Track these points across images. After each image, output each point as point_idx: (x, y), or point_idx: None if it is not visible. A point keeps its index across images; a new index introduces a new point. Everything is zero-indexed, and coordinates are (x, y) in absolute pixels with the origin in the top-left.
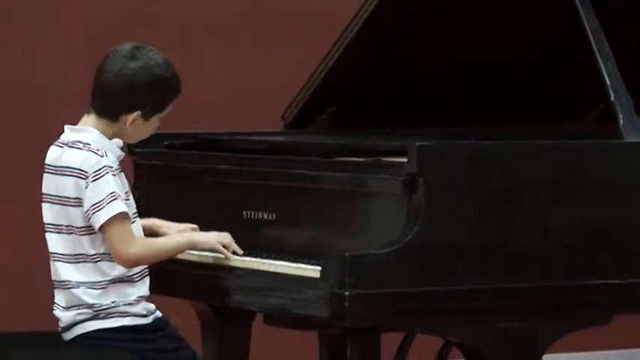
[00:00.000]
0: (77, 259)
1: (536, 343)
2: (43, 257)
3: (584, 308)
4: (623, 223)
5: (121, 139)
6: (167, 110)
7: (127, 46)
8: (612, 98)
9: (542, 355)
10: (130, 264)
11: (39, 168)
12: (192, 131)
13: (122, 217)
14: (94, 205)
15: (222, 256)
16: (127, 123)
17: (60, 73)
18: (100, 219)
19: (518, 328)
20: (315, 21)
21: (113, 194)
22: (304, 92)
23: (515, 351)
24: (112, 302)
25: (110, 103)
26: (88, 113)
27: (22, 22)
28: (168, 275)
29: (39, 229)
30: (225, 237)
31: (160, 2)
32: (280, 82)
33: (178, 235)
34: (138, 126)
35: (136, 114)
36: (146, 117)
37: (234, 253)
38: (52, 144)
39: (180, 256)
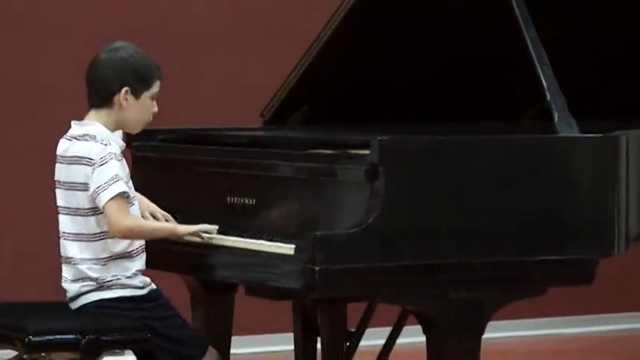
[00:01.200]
0: (83, 237)
1: (482, 312)
2: (52, 237)
3: (523, 281)
4: (558, 207)
5: (122, 127)
6: (154, 89)
7: (103, 47)
8: (548, 98)
9: (487, 321)
10: (121, 235)
11: (49, 159)
12: (184, 127)
13: (122, 195)
14: (99, 186)
15: (206, 237)
16: (121, 101)
17: (67, 75)
18: (103, 198)
19: (467, 298)
20: (288, 32)
21: (116, 176)
22: (280, 93)
23: (463, 318)
24: (113, 275)
25: (101, 90)
26: (88, 112)
27: (34, 31)
28: (162, 252)
29: (48, 212)
30: (198, 230)
31: (155, 13)
32: (259, 85)
33: (166, 224)
34: (132, 105)
35: (125, 90)
36: (136, 94)
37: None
38: (61, 138)
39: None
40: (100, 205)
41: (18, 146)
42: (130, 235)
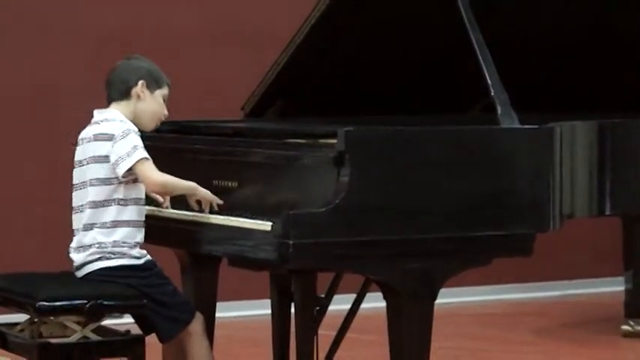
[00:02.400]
0: (97, 204)
1: (434, 280)
2: (62, 217)
3: (471, 254)
4: (500, 189)
5: (138, 119)
6: (164, 90)
7: (122, 59)
8: (492, 94)
9: (439, 288)
10: (157, 188)
11: (60, 147)
12: (175, 120)
13: (147, 159)
14: (120, 156)
15: (197, 214)
16: (139, 92)
17: (74, 74)
18: (125, 165)
19: (421, 268)
20: (266, 33)
21: (136, 146)
22: (259, 89)
23: (418, 286)
24: (114, 241)
25: (121, 85)
26: (108, 107)
27: (49, 36)
28: (157, 229)
29: (61, 194)
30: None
31: (145, 18)
32: (240, 82)
33: (189, 182)
34: (148, 97)
35: (142, 82)
36: (150, 88)
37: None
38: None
39: (167, 214)
40: (123, 171)
41: (38, 135)
42: (164, 187)
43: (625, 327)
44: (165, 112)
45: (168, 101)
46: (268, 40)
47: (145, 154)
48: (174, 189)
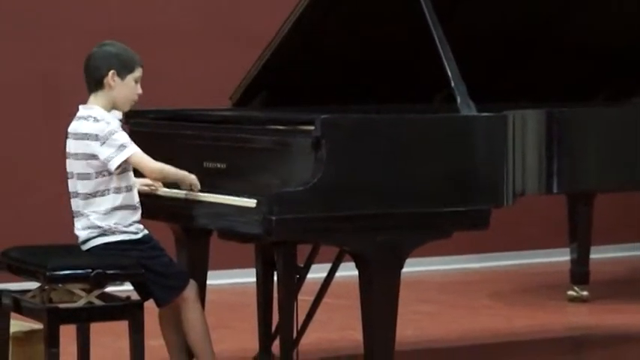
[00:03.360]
0: (89, 195)
1: (401, 251)
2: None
3: (434, 227)
4: (461, 170)
5: (114, 106)
6: (136, 74)
7: (95, 47)
8: (452, 85)
9: (405, 258)
10: (155, 175)
11: (62, 136)
12: (169, 108)
13: (138, 151)
14: (109, 155)
15: (188, 193)
16: (110, 82)
17: (74, 67)
18: (116, 162)
19: (390, 240)
20: (252, 30)
21: (123, 144)
22: (245, 81)
23: (387, 256)
24: (115, 224)
25: (93, 74)
26: (89, 96)
27: (50, 32)
28: (154, 206)
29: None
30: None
31: (143, 15)
32: (228, 73)
33: (183, 171)
34: (118, 85)
35: (111, 72)
36: (121, 75)
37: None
38: (72, 119)
39: (163, 193)
40: (113, 168)
41: (47, 119)
42: (160, 174)
43: (570, 292)
44: (139, 91)
45: (170, 93)
46: (254, 37)
47: (134, 149)
48: (168, 176)
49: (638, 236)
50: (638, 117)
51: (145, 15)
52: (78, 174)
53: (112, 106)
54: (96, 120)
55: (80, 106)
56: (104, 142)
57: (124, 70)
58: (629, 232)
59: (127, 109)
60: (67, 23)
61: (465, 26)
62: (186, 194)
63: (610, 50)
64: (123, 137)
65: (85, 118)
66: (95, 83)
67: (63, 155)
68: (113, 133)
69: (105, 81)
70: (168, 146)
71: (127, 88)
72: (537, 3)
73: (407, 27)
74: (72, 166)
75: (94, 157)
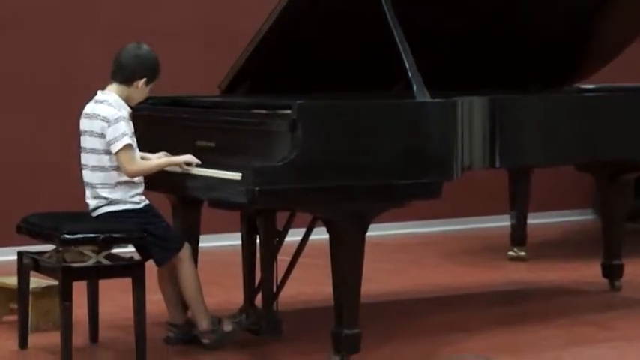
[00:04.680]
0: (98, 169)
1: (366, 217)
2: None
3: (394, 197)
4: (417, 148)
5: (127, 100)
6: (153, 84)
7: (133, 43)
8: (410, 75)
9: (369, 223)
10: (131, 176)
11: (76, 119)
12: (167, 94)
13: (129, 147)
14: (113, 138)
15: (185, 169)
16: (139, 86)
17: (89, 59)
18: (116, 147)
19: (356, 208)
20: (238, 26)
21: (124, 133)
22: (232, 71)
23: (354, 222)
24: (120, 196)
25: (126, 71)
26: (111, 83)
27: (67, 32)
28: (154, 180)
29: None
30: (188, 158)
31: (144, 17)
32: (218, 65)
33: (160, 160)
34: (142, 89)
35: (143, 80)
36: (147, 83)
37: (191, 164)
38: (89, 101)
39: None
40: (113, 151)
41: (65, 104)
42: (137, 175)
43: (510, 253)
44: (148, 94)
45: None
46: (239, 33)
47: (128, 141)
48: (148, 173)
49: (569, 204)
50: (567, 102)
51: (147, 16)
52: (89, 149)
53: (125, 99)
54: (110, 105)
55: (99, 91)
56: (111, 125)
57: (151, 80)
58: (561, 201)
59: (134, 104)
60: (84, 24)
61: (421, 25)
62: (181, 170)
63: (545, 44)
64: (126, 127)
65: (102, 102)
66: (124, 79)
67: (77, 134)
68: (120, 121)
69: (134, 83)
70: (165, 127)
71: (144, 92)
72: (482, 4)
73: (372, 26)
74: (85, 142)
75: (102, 136)
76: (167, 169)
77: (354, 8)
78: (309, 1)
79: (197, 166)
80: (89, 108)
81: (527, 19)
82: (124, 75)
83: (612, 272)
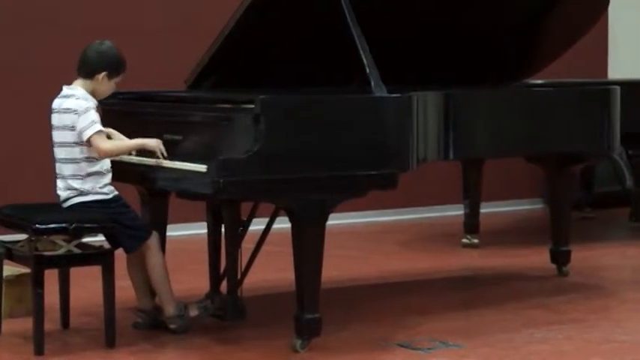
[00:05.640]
0: (69, 161)
1: (326, 207)
2: (53, 163)
3: (353, 187)
4: (374, 140)
5: (92, 94)
6: (119, 78)
7: (96, 41)
8: (368, 71)
9: (329, 213)
10: (105, 154)
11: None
12: (135, 89)
13: (100, 131)
14: (83, 127)
15: (153, 161)
16: (100, 78)
17: (62, 56)
18: (87, 134)
19: (316, 198)
20: (203, 23)
21: (94, 121)
22: (198, 67)
23: (315, 211)
24: (90, 187)
25: (89, 66)
26: (76, 79)
27: (41, 27)
28: (123, 171)
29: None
30: (160, 143)
31: (114, 14)
32: (184, 61)
33: (132, 140)
34: (104, 82)
35: (104, 73)
36: (110, 77)
37: (162, 155)
38: (55, 98)
39: (130, 159)
40: (85, 139)
41: (39, 98)
42: (110, 153)
43: (464, 240)
44: (114, 89)
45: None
46: (204, 30)
47: (99, 128)
48: (120, 152)
49: (519, 194)
50: (517, 97)
51: (117, 13)
52: (60, 142)
53: (91, 94)
54: (77, 98)
55: (64, 87)
56: (81, 116)
57: (113, 74)
58: (512, 190)
59: (100, 99)
60: (46, 18)
61: (379, 22)
62: (149, 161)
63: (497, 41)
64: (95, 116)
65: (68, 96)
66: (87, 73)
67: (49, 128)
68: (89, 110)
69: (96, 76)
70: (134, 121)
71: (108, 86)
72: (437, 5)
73: (332, 24)
74: (56, 136)
75: (72, 128)
76: (136, 160)
77: (315, 6)
78: (269, 1)
79: (164, 158)
80: (57, 103)
81: (480, 18)
82: (86, 69)
83: (560, 258)
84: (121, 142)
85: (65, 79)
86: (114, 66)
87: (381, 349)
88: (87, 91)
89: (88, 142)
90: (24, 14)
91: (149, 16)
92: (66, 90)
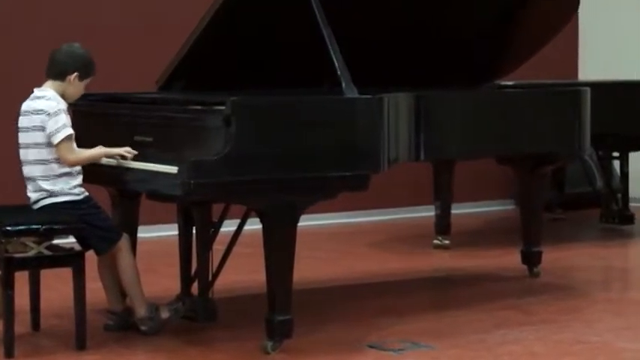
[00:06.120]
0: (39, 162)
1: (297, 208)
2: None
3: (324, 189)
4: (345, 142)
5: (63, 96)
6: (89, 80)
7: (65, 44)
8: (339, 73)
9: (300, 214)
10: (70, 164)
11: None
12: (106, 91)
13: (69, 137)
14: (53, 129)
15: (124, 162)
16: (71, 79)
17: (31, 58)
18: (57, 138)
19: (287, 200)
20: (174, 25)
21: (65, 124)
22: (169, 68)
23: (285, 213)
24: (60, 188)
25: (59, 67)
26: (46, 80)
27: (7, 30)
28: (94, 172)
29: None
30: (124, 150)
31: (85, 15)
32: (155, 62)
33: (96, 149)
34: (75, 83)
35: (75, 74)
36: (80, 77)
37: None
38: (25, 100)
39: (103, 161)
40: (55, 142)
41: (5, 103)
42: (76, 164)
43: (435, 241)
44: (83, 91)
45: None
46: (176, 32)
47: (68, 132)
48: (84, 162)
49: (490, 195)
50: (487, 99)
51: (87, 14)
52: (29, 144)
53: (61, 95)
54: (49, 99)
55: (35, 89)
56: (51, 118)
57: (84, 75)
58: (483, 192)
59: (70, 102)
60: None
61: (351, 24)
62: (119, 163)
63: (468, 43)
64: (66, 119)
65: (39, 98)
66: (57, 74)
67: (16, 130)
68: (59, 113)
69: (67, 78)
70: (104, 123)
71: (79, 88)
72: (409, 7)
73: (303, 25)
74: (24, 138)
75: (43, 129)
76: (105, 162)
77: (286, 7)
78: (243, 1)
79: (135, 159)
80: (26, 105)
81: (450, 20)
82: (56, 71)
83: (531, 259)
84: (85, 151)
85: (32, 81)
86: (84, 66)
87: (352, 350)
88: (57, 92)
89: (57, 147)
90: None
91: (119, 17)
92: (37, 92)
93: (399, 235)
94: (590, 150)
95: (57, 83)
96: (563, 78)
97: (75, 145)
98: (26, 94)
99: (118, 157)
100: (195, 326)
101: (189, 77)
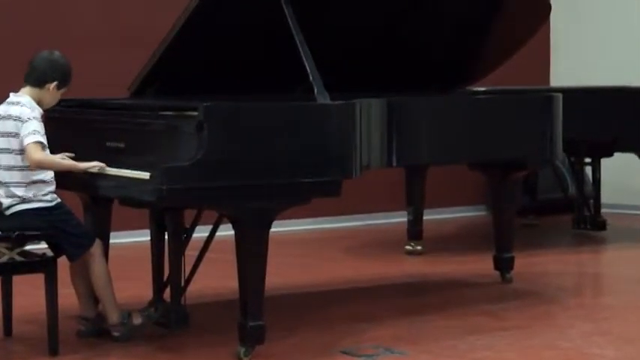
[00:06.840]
0: (13, 168)
1: (270, 214)
2: None
3: (296, 194)
4: (317, 148)
5: (39, 103)
6: (65, 89)
7: (46, 50)
8: (311, 78)
9: (273, 220)
10: (35, 164)
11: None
12: (78, 97)
13: (39, 142)
14: (24, 134)
15: (96, 168)
16: (50, 89)
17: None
18: (27, 139)
19: (260, 206)
20: (145, 31)
21: (35, 130)
22: (141, 74)
23: (258, 218)
24: (33, 195)
25: (38, 75)
26: (24, 86)
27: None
28: (66, 178)
29: None
30: (93, 165)
31: (58, 19)
32: (127, 69)
33: (67, 161)
34: (54, 92)
35: (55, 83)
36: (59, 87)
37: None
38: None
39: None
40: (24, 143)
41: None
42: (41, 165)
43: (407, 247)
44: (59, 99)
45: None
46: (147, 38)
47: (37, 139)
48: (51, 167)
49: (462, 201)
50: (459, 105)
51: (61, 20)
52: (2, 149)
53: (37, 102)
54: (23, 105)
55: (11, 94)
56: (24, 123)
57: (62, 85)
58: (455, 197)
59: (46, 108)
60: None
61: (323, 29)
62: (99, 169)
63: (438, 49)
64: (37, 125)
65: (15, 103)
66: (36, 81)
67: None
68: (32, 119)
69: (46, 86)
70: (76, 129)
71: (56, 96)
72: (380, 13)
73: (276, 31)
74: None
75: (16, 135)
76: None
77: (259, 13)
78: (215, 7)
79: (108, 165)
80: (1, 110)
81: (421, 26)
82: (36, 78)
83: (503, 265)
84: (52, 156)
85: (8, 86)
86: (63, 76)
87: (326, 356)
88: (34, 99)
89: (25, 148)
90: None
91: (91, 22)
92: (12, 97)
93: (372, 241)
94: (562, 156)
95: (35, 90)
96: (535, 84)
97: (47, 151)
98: (2, 99)
99: (95, 169)
100: (167, 332)
101: (161, 83)
